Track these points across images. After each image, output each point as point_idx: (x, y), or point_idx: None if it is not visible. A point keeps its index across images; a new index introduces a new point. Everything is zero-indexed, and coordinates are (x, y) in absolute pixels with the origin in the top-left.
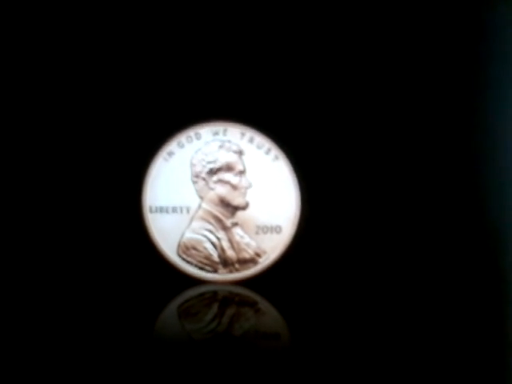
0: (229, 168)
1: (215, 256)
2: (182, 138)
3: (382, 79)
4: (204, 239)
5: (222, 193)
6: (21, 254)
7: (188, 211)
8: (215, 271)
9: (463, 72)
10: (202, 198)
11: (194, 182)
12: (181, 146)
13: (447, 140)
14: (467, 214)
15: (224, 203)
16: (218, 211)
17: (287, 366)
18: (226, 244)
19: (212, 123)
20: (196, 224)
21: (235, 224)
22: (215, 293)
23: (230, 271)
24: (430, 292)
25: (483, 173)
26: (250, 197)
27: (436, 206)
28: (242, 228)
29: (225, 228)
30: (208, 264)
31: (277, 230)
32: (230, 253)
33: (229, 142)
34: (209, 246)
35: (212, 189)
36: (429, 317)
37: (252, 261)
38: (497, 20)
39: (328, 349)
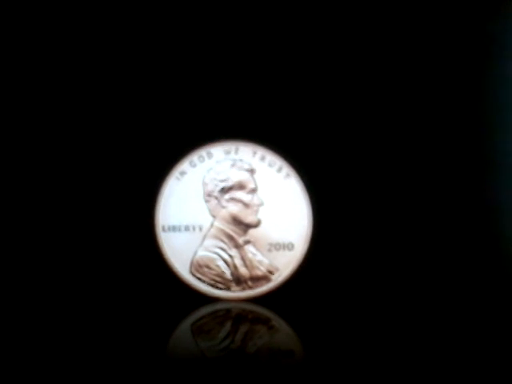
0: (241, 186)
1: (228, 274)
2: (194, 157)
3: (391, 93)
4: (216, 257)
5: (235, 211)
6: (35, 272)
7: (200, 230)
8: (228, 289)
9: (471, 75)
10: (214, 216)
11: (207, 201)
12: (193, 165)
13: (459, 148)
14: (480, 223)
15: (236, 221)
16: (230, 229)
17: (301, 383)
18: (238, 262)
19: (224, 142)
20: (208, 242)
21: (247, 242)
22: (228, 310)
23: (243, 289)
24: (444, 305)
25: (493, 177)
26: (262, 214)
27: (450, 216)
28: (255, 245)
29: (237, 246)
30: (221, 282)
31: (289, 247)
32: (243, 270)
33: (240, 160)
34: (221, 263)
35: (224, 207)
36: (442, 329)
37: (265, 278)
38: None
39: (342, 365)
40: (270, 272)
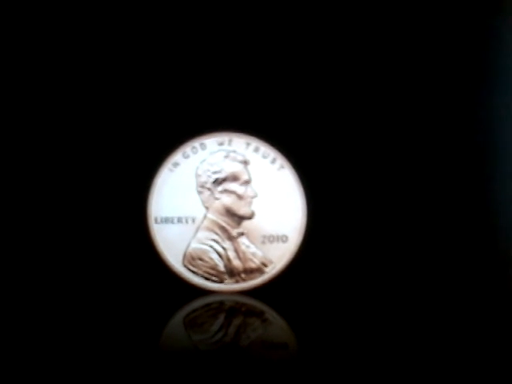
0: (234, 178)
1: (221, 266)
2: (187, 148)
3: (386, 88)
4: (210, 249)
5: (228, 203)
6: (27, 264)
7: (193, 221)
8: (221, 281)
9: (469, 73)
10: (207, 208)
11: (200, 193)
12: (186, 156)
13: (455, 147)
14: (476, 220)
15: (230, 213)
16: (223, 221)
17: (295, 376)
18: (231, 254)
19: (217, 133)
20: (201, 234)
21: (241, 234)
22: (221, 303)
23: (236, 281)
24: (438, 298)
25: (490, 175)
26: (255, 206)
27: (444, 212)
28: (248, 238)
29: (230, 238)
30: (214, 274)
31: (283, 239)
32: (236, 263)
33: (234, 152)
34: (214, 256)
35: (217, 199)
36: (438, 322)
37: (258, 270)
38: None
39: (335, 358)
40: (264, 264)
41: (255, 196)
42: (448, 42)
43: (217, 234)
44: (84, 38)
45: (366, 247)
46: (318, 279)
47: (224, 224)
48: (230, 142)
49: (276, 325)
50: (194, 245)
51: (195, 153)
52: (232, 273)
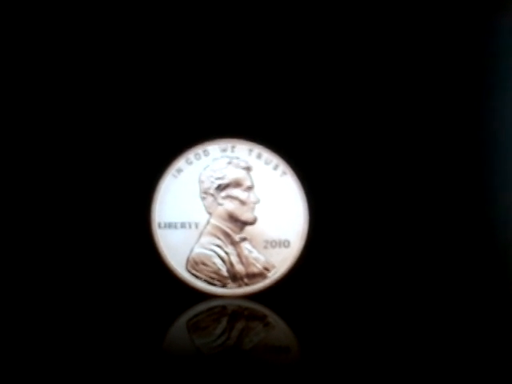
0: (237, 184)
1: (224, 271)
2: (191, 154)
3: (388, 95)
4: (213, 254)
5: (231, 208)
6: (32, 270)
7: (197, 227)
8: (224, 286)
9: (468, 74)
10: (210, 213)
11: (203, 198)
12: (189, 162)
13: (456, 150)
14: (476, 223)
15: (232, 218)
16: (226, 226)
17: (297, 379)
18: (234, 259)
19: (220, 140)
20: (205, 239)
21: (244, 239)
22: (224, 307)
23: (239, 286)
24: (440, 304)
25: (489, 176)
26: (258, 212)
27: (446, 220)
28: (251, 243)
29: (233, 243)
30: (217, 279)
31: (285, 244)
32: (239, 267)
33: (237, 158)
34: (218, 260)
35: (220, 204)
36: (440, 329)
37: (261, 275)
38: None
39: (338, 362)
40: (266, 269)
41: (258, 202)
42: (448, 43)
43: (220, 239)
44: (89, 45)
45: (367, 252)
46: (319, 284)
47: (227, 229)
48: (232, 148)
49: (278, 329)
50: (198, 250)
51: (198, 159)
52: (235, 277)
